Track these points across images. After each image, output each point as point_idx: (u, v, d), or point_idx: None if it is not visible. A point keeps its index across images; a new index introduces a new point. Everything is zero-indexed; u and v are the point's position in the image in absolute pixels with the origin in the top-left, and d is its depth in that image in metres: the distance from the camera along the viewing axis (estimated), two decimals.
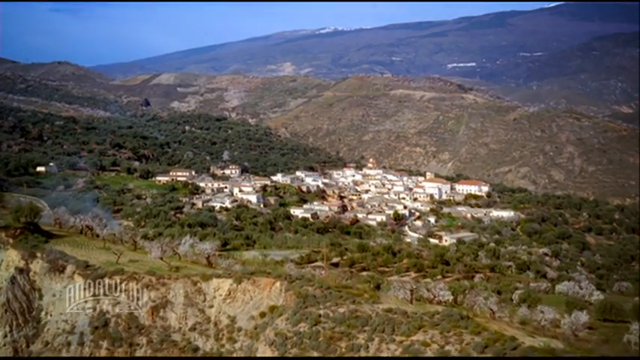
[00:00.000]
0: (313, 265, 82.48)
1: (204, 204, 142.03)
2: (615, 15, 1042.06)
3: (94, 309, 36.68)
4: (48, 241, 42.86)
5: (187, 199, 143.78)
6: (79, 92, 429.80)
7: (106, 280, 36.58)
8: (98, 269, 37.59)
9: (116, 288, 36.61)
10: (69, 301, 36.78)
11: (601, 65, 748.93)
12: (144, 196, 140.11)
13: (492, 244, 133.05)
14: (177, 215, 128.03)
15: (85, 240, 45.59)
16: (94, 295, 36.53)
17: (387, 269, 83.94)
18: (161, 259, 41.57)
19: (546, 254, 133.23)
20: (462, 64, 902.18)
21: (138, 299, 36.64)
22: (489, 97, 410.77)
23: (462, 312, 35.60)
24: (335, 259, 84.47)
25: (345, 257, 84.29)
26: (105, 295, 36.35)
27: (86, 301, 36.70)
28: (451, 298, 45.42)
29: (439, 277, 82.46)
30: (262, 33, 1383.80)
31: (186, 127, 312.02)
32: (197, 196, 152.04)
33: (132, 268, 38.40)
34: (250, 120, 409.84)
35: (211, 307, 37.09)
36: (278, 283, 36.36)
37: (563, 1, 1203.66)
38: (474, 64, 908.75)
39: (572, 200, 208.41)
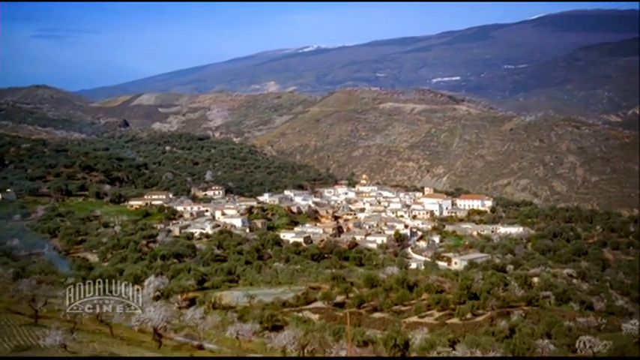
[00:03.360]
0: (312, 306, 66.09)
1: (182, 231, 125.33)
2: (598, 25, 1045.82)
3: None
4: None
5: (162, 226, 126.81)
6: (55, 115, 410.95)
7: None
8: None
9: None
10: None
11: (587, 75, 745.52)
12: (112, 224, 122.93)
13: (511, 266, 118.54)
14: (150, 245, 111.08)
15: None
16: None
17: (403, 308, 67.67)
18: (64, 347, 24.93)
19: (571, 275, 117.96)
20: (446, 78, 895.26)
21: None
22: (482, 108, 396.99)
23: None
24: (339, 298, 68.06)
25: (351, 295, 67.86)
26: None
27: None
28: None
29: (469, 315, 66.44)
30: (245, 53, 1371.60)
31: (167, 148, 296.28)
32: (174, 221, 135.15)
33: None
34: (235, 139, 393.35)
35: None
36: None
37: (547, 8, 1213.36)
38: (458, 77, 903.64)
39: (582, 213, 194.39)
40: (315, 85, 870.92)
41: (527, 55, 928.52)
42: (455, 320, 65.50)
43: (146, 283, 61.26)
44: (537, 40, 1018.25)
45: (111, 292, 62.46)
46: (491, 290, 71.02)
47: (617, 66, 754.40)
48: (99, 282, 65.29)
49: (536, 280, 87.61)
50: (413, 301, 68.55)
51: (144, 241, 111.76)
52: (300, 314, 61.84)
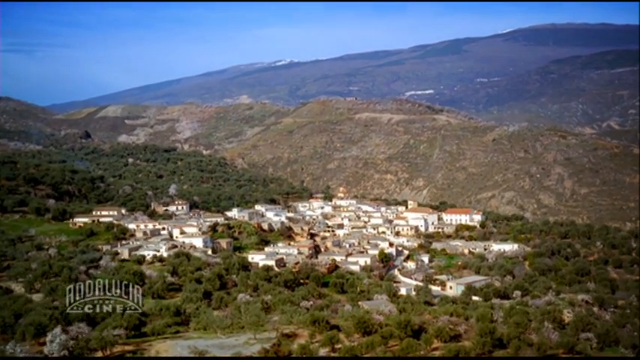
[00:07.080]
0: None
1: (132, 253, 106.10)
2: (569, 39, 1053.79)
3: None
4: None
5: (109, 248, 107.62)
6: (12, 126, 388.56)
7: None
8: None
9: None
10: None
11: (560, 88, 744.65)
12: (46, 246, 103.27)
13: (517, 292, 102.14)
14: (90, 272, 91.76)
15: None
16: None
17: None
18: None
19: (587, 302, 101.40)
20: (419, 92, 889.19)
21: None
22: (462, 118, 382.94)
23: None
24: (322, 350, 49.95)
25: (338, 346, 49.96)
26: None
27: None
28: None
29: None
30: (218, 67, 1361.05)
31: (130, 160, 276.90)
32: (124, 241, 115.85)
33: None
34: (204, 151, 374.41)
35: None
36: None
37: (519, 22, 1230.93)
38: (431, 91, 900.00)
39: (579, 228, 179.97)
40: (288, 98, 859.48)
41: (500, 69, 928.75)
42: None
43: (49, 337, 42.92)
44: (510, 54, 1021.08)
45: None
46: (521, 336, 53.72)
47: (589, 79, 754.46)
48: None
49: (566, 315, 70.62)
50: (421, 353, 50.86)
51: (83, 267, 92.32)
52: None
